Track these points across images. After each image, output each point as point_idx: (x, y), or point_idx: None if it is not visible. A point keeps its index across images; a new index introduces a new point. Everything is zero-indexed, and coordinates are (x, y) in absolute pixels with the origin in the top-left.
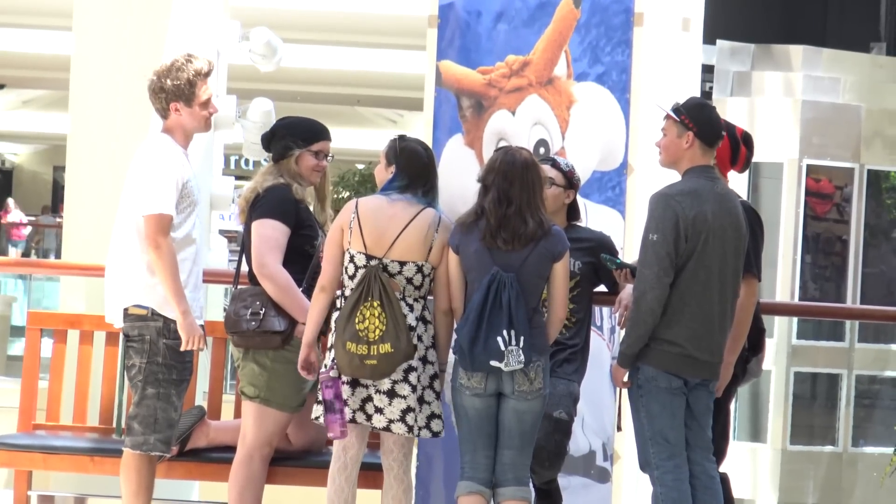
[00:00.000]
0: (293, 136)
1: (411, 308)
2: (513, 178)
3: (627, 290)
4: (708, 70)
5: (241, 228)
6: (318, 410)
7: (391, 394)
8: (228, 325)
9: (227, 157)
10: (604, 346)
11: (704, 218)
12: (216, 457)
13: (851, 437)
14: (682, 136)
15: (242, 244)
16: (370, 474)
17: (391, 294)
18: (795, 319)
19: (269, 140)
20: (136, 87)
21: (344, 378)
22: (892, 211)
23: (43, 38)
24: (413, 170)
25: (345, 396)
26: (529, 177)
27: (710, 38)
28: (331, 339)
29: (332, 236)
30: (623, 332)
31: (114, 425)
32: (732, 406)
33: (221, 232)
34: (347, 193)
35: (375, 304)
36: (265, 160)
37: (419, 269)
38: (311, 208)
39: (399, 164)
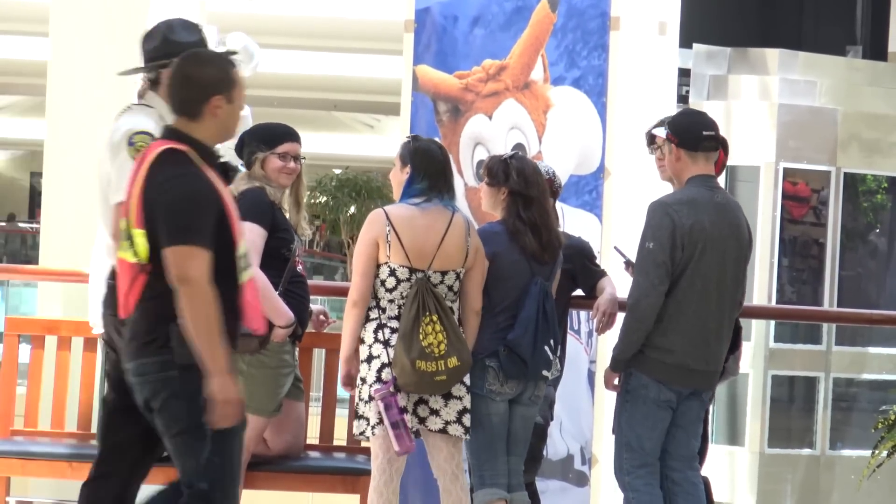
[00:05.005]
0: (256, 141)
1: (454, 313)
2: (542, 187)
3: (605, 296)
4: (684, 74)
5: None
6: (360, 426)
7: (447, 395)
8: None
9: None
10: (581, 350)
11: (702, 227)
12: None
13: (829, 440)
14: (672, 151)
15: None
16: (349, 479)
17: (445, 306)
18: (773, 323)
19: (240, 149)
20: (112, 92)
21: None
22: (869, 214)
23: (19, 43)
24: (431, 168)
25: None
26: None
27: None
28: (367, 358)
29: (364, 250)
30: (600, 338)
31: (92, 431)
32: (710, 409)
33: None
34: (325, 198)
35: (434, 317)
36: (241, 166)
37: (458, 276)
38: (287, 214)
39: (414, 163)
